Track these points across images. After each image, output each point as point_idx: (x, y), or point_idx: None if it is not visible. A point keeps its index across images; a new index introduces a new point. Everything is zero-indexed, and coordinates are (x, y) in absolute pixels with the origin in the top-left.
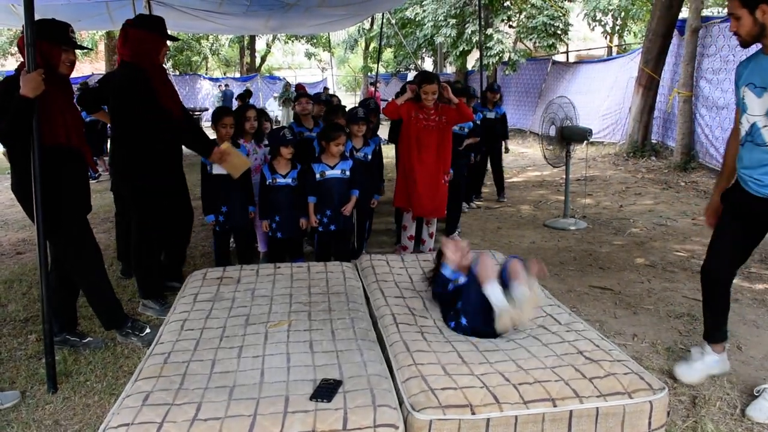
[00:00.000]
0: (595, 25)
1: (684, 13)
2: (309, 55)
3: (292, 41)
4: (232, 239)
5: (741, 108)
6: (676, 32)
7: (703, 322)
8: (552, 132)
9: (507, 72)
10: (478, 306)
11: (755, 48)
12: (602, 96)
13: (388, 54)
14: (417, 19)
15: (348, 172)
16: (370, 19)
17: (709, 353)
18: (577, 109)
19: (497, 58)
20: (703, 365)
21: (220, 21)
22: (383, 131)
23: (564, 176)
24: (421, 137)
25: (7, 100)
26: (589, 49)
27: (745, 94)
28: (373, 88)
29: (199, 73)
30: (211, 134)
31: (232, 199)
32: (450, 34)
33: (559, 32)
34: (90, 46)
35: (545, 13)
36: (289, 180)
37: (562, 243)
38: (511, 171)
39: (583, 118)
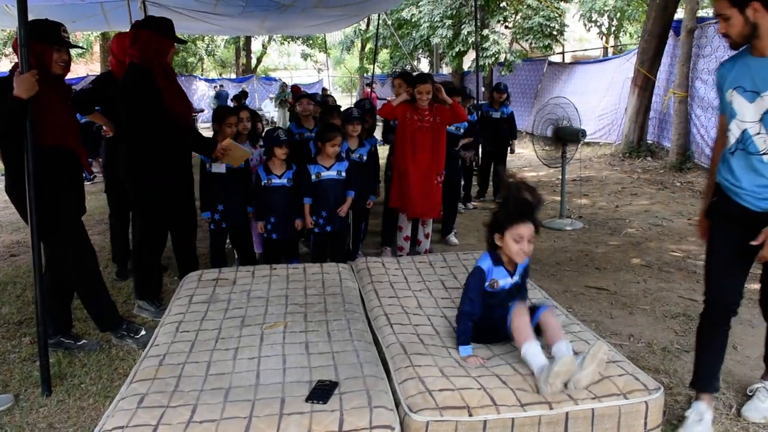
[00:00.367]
0: (591, 26)
1: (679, 14)
2: (305, 56)
3: (288, 42)
4: (228, 240)
5: (728, 113)
6: (671, 33)
7: (695, 369)
8: (548, 132)
9: (503, 73)
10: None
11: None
12: (598, 96)
13: (384, 55)
14: (413, 20)
15: (344, 173)
16: (366, 20)
17: (705, 410)
18: (569, 109)
19: (493, 58)
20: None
21: (215, 22)
22: (379, 132)
23: (560, 177)
24: (415, 138)
25: (0, 101)
26: (585, 50)
27: (732, 98)
28: (369, 89)
29: (194, 74)
30: (211, 135)
31: (230, 198)
32: (446, 34)
33: (555, 33)
34: (85, 47)
35: (541, 13)
36: (284, 181)
37: (558, 243)
38: (507, 172)
39: (573, 118)
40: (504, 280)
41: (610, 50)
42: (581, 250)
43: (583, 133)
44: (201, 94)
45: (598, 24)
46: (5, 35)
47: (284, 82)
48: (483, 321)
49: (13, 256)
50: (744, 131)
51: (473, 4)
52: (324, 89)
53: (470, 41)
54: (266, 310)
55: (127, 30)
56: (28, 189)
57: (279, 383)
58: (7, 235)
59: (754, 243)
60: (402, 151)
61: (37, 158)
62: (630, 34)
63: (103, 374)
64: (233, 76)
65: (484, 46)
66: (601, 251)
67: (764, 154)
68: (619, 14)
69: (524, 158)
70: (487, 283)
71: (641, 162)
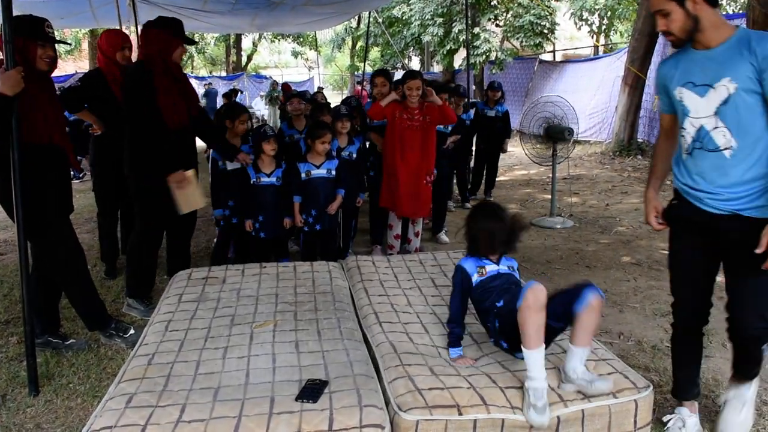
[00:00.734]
0: (582, 25)
1: None
2: (296, 54)
3: (279, 40)
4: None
5: (680, 112)
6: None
7: (673, 378)
8: (540, 130)
9: (494, 71)
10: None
11: None
12: (589, 95)
13: (375, 53)
14: (404, 18)
15: (334, 172)
16: (357, 18)
17: (688, 416)
18: (566, 108)
19: (484, 57)
20: None
21: (205, 19)
22: None
23: (550, 175)
24: (404, 137)
25: None
26: (576, 49)
27: (682, 95)
28: (360, 87)
29: (184, 72)
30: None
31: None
32: (437, 33)
33: (545, 31)
34: (72, 44)
35: (532, 12)
36: (273, 179)
37: (548, 242)
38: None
39: (570, 117)
40: (491, 267)
41: (601, 49)
42: (571, 248)
43: (570, 132)
44: None
45: (589, 22)
46: None
47: (275, 80)
48: (498, 314)
49: (0, 254)
50: (700, 128)
51: (464, 2)
52: (320, 88)
53: (461, 39)
54: (256, 309)
55: (116, 27)
56: (14, 187)
57: (269, 382)
58: None
59: (758, 251)
60: (391, 150)
61: (23, 156)
62: (620, 32)
63: (91, 374)
64: (223, 73)
65: (475, 44)
66: (591, 249)
67: (725, 149)
68: (609, 13)
69: (515, 156)
70: (475, 273)
71: (631, 160)
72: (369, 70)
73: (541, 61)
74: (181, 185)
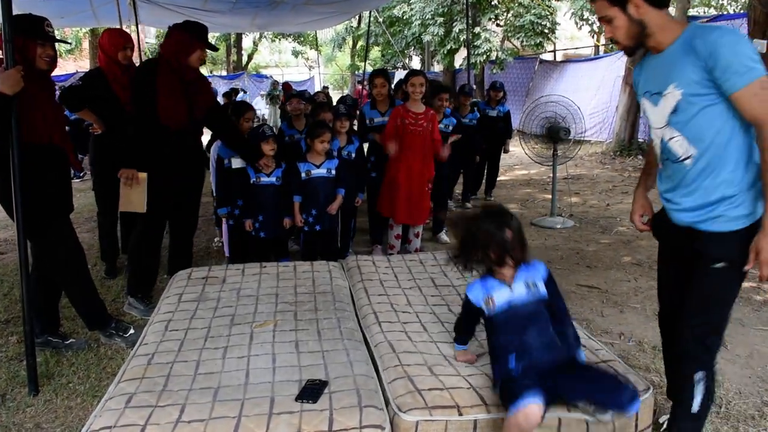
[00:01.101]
0: (583, 24)
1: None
2: (296, 54)
3: (280, 39)
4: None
5: (647, 124)
6: None
7: (666, 378)
8: (541, 130)
9: (494, 71)
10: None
11: None
12: (589, 95)
13: (375, 52)
14: (405, 18)
15: (333, 171)
16: (357, 17)
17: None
18: (572, 108)
19: (485, 56)
20: None
21: (205, 18)
22: None
23: (551, 175)
24: (406, 141)
25: None
26: (576, 48)
27: (645, 106)
28: (360, 87)
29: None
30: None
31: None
32: (437, 32)
33: (546, 31)
34: (72, 43)
35: (532, 12)
36: (272, 179)
37: (549, 241)
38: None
39: (576, 117)
40: (502, 293)
41: (602, 49)
42: (572, 248)
43: (566, 131)
44: None
45: (590, 22)
46: None
47: (275, 80)
48: (522, 348)
49: (0, 254)
50: (661, 139)
51: (465, 1)
52: (325, 87)
53: (462, 39)
54: (256, 309)
55: (117, 26)
56: (14, 186)
57: (268, 382)
58: None
59: (746, 268)
60: (394, 155)
61: (23, 156)
62: None
63: (91, 373)
64: (224, 73)
65: (475, 44)
66: (592, 249)
67: (686, 158)
68: None
69: (515, 156)
70: (482, 304)
71: (632, 160)
72: (369, 69)
73: (542, 61)
74: (128, 183)
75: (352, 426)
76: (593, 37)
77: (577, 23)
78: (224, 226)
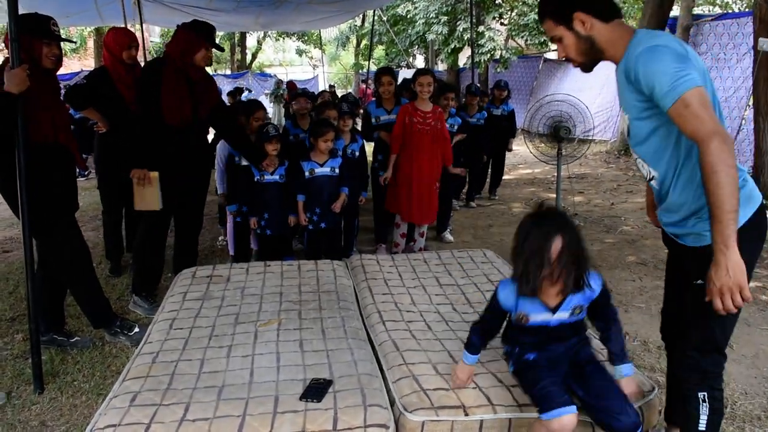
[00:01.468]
0: None
1: (675, 11)
2: (300, 52)
3: (283, 38)
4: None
5: None
6: (667, 30)
7: (666, 398)
8: (545, 129)
9: (498, 69)
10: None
11: None
12: (594, 93)
13: (379, 51)
14: (408, 17)
15: (337, 170)
16: (361, 16)
17: None
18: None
19: (489, 55)
20: None
21: (210, 17)
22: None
23: (555, 174)
24: (414, 140)
25: None
26: None
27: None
28: (364, 86)
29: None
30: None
31: None
32: (441, 31)
33: None
34: (77, 42)
35: (537, 10)
36: (276, 177)
37: None
38: None
39: (585, 116)
40: (539, 316)
41: None
42: None
43: (567, 130)
44: None
45: None
46: None
47: (279, 79)
48: (520, 362)
49: (6, 252)
50: (636, 159)
51: (469, 0)
52: (331, 86)
53: (466, 38)
54: (260, 308)
55: (121, 25)
56: (20, 186)
57: (273, 381)
58: (0, 231)
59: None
60: (402, 154)
61: (28, 155)
62: None
63: (95, 371)
64: (228, 72)
65: (479, 42)
66: (596, 249)
67: (651, 179)
68: None
69: (519, 155)
70: (514, 316)
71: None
72: (373, 68)
73: (546, 60)
74: (140, 183)
75: (357, 425)
76: None
77: None
78: (229, 225)
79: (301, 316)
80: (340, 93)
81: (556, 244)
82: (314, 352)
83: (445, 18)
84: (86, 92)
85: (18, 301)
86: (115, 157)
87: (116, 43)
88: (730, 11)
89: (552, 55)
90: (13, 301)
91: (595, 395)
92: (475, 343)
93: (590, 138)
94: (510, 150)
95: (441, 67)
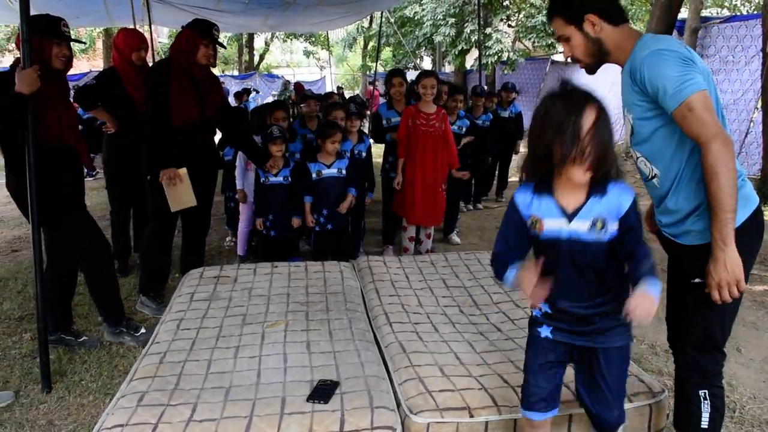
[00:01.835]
0: None
1: (683, 14)
2: (307, 54)
3: (291, 39)
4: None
5: None
6: (675, 32)
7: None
8: None
9: (505, 71)
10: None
11: None
12: (601, 96)
13: (387, 53)
14: (416, 18)
15: (344, 171)
16: (369, 18)
17: None
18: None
19: (496, 57)
20: None
21: (218, 19)
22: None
23: None
24: (419, 142)
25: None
26: None
27: (625, 123)
28: (372, 87)
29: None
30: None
31: None
32: (449, 33)
33: None
34: (86, 43)
35: (544, 12)
36: (280, 178)
37: None
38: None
39: None
40: (553, 222)
41: None
42: None
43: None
44: None
45: None
46: (8, 30)
47: (287, 80)
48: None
49: (15, 251)
50: (635, 159)
51: (476, 2)
52: (339, 87)
53: (473, 40)
54: (267, 309)
55: (131, 26)
56: (29, 186)
57: (280, 382)
58: (8, 231)
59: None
60: (408, 156)
61: (37, 155)
62: None
63: (103, 371)
64: (236, 73)
65: (486, 44)
66: None
67: (652, 178)
68: None
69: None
70: (528, 222)
71: None
72: (381, 70)
73: (554, 62)
74: (172, 182)
75: (364, 427)
76: None
77: None
78: (241, 225)
79: (308, 318)
80: (348, 95)
81: (588, 115)
82: (321, 354)
83: (452, 20)
84: (96, 92)
85: (26, 301)
86: (124, 157)
87: (126, 45)
88: (738, 14)
89: (559, 57)
90: (21, 300)
91: (593, 392)
92: (500, 270)
93: None
94: (517, 152)
95: (448, 68)
